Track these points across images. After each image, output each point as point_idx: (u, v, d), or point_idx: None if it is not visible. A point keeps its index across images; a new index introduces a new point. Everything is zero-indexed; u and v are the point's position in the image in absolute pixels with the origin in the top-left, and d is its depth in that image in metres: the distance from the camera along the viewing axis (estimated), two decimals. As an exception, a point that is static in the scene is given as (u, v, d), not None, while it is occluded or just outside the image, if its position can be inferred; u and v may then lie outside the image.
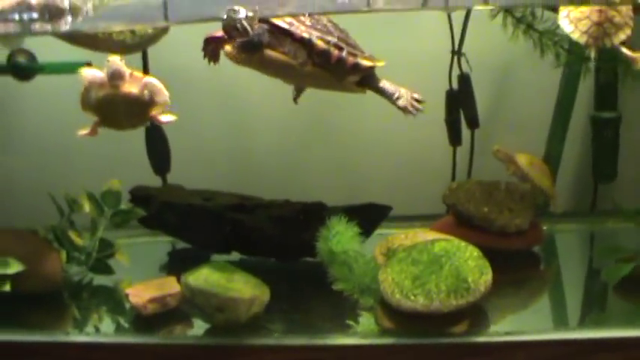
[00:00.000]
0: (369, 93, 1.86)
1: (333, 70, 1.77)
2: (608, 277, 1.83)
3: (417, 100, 1.80)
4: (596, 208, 2.31)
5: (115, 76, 1.77)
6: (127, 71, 1.78)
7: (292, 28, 1.73)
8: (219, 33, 1.77)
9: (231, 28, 1.72)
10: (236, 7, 1.69)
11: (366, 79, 1.81)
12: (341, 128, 2.22)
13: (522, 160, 2.00)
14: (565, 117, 2.21)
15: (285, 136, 2.35)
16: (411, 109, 1.79)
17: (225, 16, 1.69)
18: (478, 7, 2.01)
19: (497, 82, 2.30)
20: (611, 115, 2.20)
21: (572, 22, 1.80)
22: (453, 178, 2.25)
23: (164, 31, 1.97)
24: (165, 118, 1.84)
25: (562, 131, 2.22)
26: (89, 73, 1.80)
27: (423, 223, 2.04)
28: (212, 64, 1.84)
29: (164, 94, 1.81)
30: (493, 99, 2.30)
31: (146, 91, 1.79)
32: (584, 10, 1.78)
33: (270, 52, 1.74)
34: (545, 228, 2.15)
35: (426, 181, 2.08)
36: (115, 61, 1.77)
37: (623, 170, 2.27)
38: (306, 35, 1.73)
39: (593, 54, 1.81)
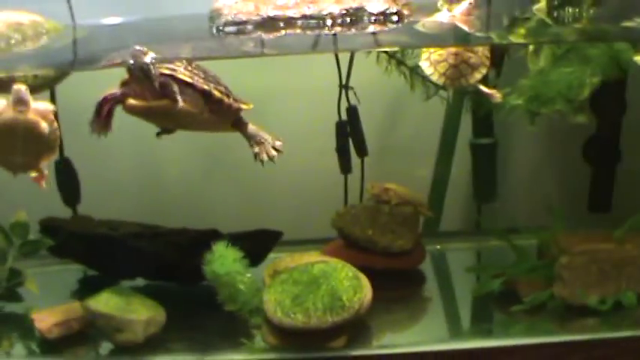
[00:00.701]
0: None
1: (222, 114, 1.91)
2: (476, 292, 1.99)
3: (276, 149, 1.93)
4: (480, 227, 2.46)
5: (20, 102, 1.76)
6: (30, 99, 1.78)
7: (194, 81, 1.84)
8: (113, 90, 1.87)
9: (139, 70, 1.80)
10: (143, 49, 1.78)
11: (237, 121, 1.95)
12: (242, 159, 2.33)
13: (394, 186, 2.15)
14: (450, 143, 2.35)
15: (191, 168, 2.46)
16: (264, 156, 1.92)
17: (132, 59, 1.78)
18: (371, 50, 2.15)
19: (386, 113, 2.44)
20: (487, 141, 2.37)
21: (431, 65, 1.97)
22: (346, 203, 2.37)
23: (66, 72, 2.08)
24: (39, 177, 1.88)
25: (448, 157, 2.37)
26: None
27: (318, 246, 2.16)
28: (103, 135, 1.92)
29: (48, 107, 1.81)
30: (382, 128, 2.44)
31: (45, 124, 1.79)
32: (443, 52, 1.95)
33: None
34: (438, 247, 2.32)
35: (321, 208, 2.20)
36: (21, 88, 1.76)
37: (505, 192, 2.44)
38: (206, 87, 1.86)
39: (450, 93, 1.98)
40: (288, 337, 1.76)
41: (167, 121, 1.95)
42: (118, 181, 2.47)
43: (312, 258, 1.92)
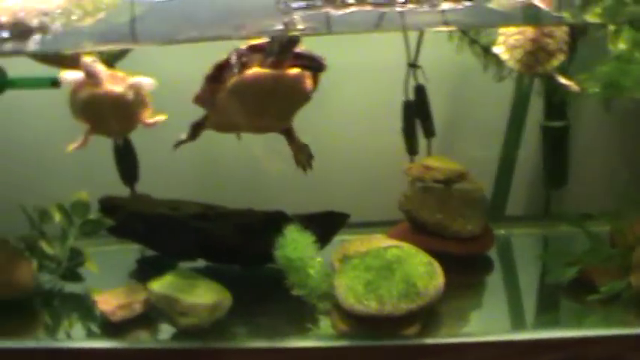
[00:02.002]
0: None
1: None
2: (554, 279, 1.92)
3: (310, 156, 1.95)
4: (549, 212, 2.39)
5: (92, 75, 1.78)
6: (103, 69, 1.80)
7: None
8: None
9: (288, 42, 1.75)
10: (295, 19, 1.72)
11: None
12: (304, 138, 2.29)
13: (433, 162, 2.09)
14: (518, 126, 2.29)
15: (250, 146, 2.41)
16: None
17: (283, 26, 1.71)
18: (437, 30, 2.07)
19: (454, 92, 2.37)
20: (559, 124, 2.29)
21: (507, 50, 1.89)
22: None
23: (126, 50, 2.03)
24: (153, 120, 1.89)
25: (516, 139, 2.30)
26: (69, 75, 1.82)
27: (382, 229, 2.11)
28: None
29: (148, 82, 1.85)
30: (450, 108, 2.37)
31: (130, 91, 1.82)
32: (519, 37, 1.87)
33: None
34: (502, 232, 2.25)
35: (386, 189, 2.15)
36: (88, 61, 1.78)
37: (575, 176, 2.37)
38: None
39: (527, 80, 1.90)
40: (359, 324, 1.71)
41: (266, 107, 1.86)
42: (176, 159, 2.43)
43: (382, 242, 1.86)
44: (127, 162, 2.29)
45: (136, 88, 1.84)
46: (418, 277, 1.70)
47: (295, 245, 1.75)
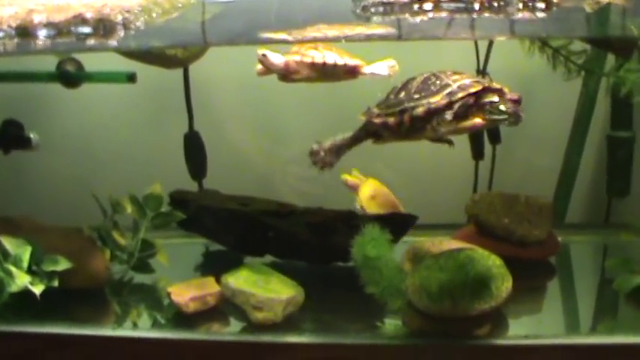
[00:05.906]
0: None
1: None
2: (620, 287, 1.94)
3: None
4: (609, 221, 2.41)
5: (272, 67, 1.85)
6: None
7: None
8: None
9: None
10: None
11: None
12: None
13: (365, 192, 2.13)
14: (582, 134, 2.31)
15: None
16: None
17: None
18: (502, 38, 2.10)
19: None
20: (625, 134, 2.31)
21: None
22: (475, 190, 2.35)
23: (206, 48, 2.08)
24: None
25: (579, 147, 2.33)
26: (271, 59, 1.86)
27: (445, 231, 2.14)
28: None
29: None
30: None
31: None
32: None
33: None
34: (560, 239, 2.27)
35: (449, 193, 2.18)
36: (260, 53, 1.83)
37: (637, 186, 2.39)
38: None
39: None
40: (431, 322, 1.74)
41: None
42: (242, 156, 2.47)
43: (453, 244, 1.89)
44: (196, 157, 2.33)
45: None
46: (491, 278, 1.73)
47: (374, 244, 1.77)
